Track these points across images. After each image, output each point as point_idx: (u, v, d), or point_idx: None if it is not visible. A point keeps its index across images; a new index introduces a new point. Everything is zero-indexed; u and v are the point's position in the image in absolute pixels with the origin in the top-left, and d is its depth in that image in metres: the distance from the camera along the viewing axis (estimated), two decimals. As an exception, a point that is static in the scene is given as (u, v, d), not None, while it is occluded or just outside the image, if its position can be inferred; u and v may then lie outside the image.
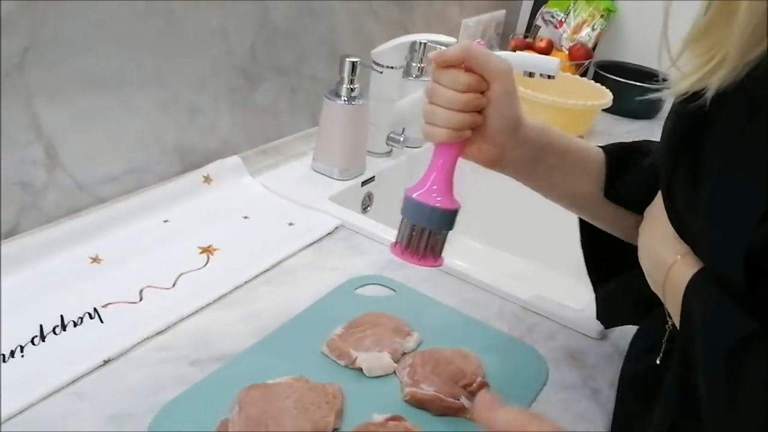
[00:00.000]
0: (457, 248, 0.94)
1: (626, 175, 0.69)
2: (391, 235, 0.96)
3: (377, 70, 1.16)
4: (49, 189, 0.83)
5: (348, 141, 1.11)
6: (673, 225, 0.55)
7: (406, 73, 1.25)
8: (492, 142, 0.63)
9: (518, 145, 0.65)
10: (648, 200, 0.62)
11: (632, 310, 0.75)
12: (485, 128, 0.62)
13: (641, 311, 0.74)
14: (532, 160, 0.67)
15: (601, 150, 0.72)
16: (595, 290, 0.78)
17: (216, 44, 0.99)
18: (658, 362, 0.62)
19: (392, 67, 1.16)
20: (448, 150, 0.63)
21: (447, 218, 0.63)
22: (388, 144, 1.24)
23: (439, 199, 0.62)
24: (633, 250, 0.67)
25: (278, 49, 1.11)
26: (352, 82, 1.07)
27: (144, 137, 0.93)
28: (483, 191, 1.23)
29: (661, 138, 0.59)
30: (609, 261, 0.76)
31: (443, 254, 0.65)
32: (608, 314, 0.78)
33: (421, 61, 1.25)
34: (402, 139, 1.23)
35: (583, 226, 0.77)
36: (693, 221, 0.52)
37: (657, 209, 0.59)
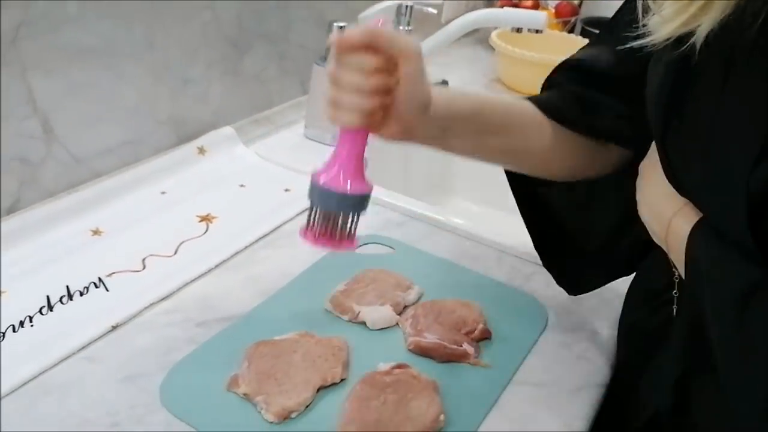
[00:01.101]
0: (453, 209, 0.95)
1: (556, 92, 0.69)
2: (386, 196, 0.98)
3: (365, 34, 1.16)
4: (47, 163, 0.84)
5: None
6: (669, 178, 0.55)
7: (394, 36, 1.25)
8: (400, 121, 0.58)
9: (427, 122, 0.60)
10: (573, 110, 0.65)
11: (603, 274, 0.76)
12: (394, 108, 0.57)
13: (614, 273, 0.75)
14: (441, 131, 0.63)
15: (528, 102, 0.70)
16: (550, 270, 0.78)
17: (203, 13, 0.99)
18: (674, 313, 0.63)
19: (380, 30, 1.16)
20: (355, 133, 0.58)
21: (359, 202, 0.60)
22: (379, 108, 1.24)
23: (349, 183, 0.58)
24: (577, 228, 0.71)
25: (265, 16, 1.10)
26: (340, 46, 1.07)
27: (137, 107, 0.94)
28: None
29: (649, 91, 0.57)
30: (558, 243, 0.76)
31: (356, 235, 0.62)
32: (575, 285, 0.78)
33: (408, 24, 1.25)
34: (393, 102, 1.24)
35: (526, 214, 0.76)
36: (689, 173, 0.52)
37: (652, 163, 0.59)
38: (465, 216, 0.94)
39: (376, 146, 1.14)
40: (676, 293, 0.61)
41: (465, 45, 1.72)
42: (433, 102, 0.59)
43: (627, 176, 0.66)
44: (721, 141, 0.48)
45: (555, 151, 0.68)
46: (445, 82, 1.40)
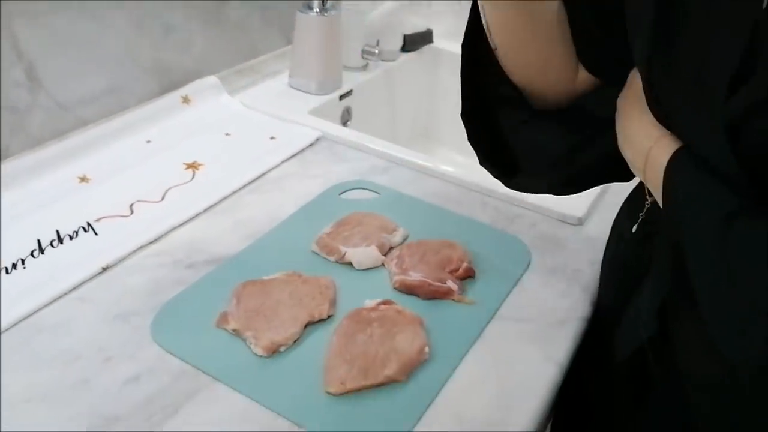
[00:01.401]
0: (439, 158, 0.96)
1: None
2: (370, 142, 0.98)
3: (348, -19, 1.15)
4: (34, 111, 0.84)
5: (323, 53, 1.11)
6: (651, 107, 0.55)
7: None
8: None
9: None
10: None
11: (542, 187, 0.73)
12: None
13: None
14: None
15: None
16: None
17: (183, -41, 0.98)
18: (633, 230, 0.64)
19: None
20: None
21: None
22: (363, 57, 1.24)
23: None
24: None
25: (247, -37, 1.09)
26: (324, -7, 1.07)
27: (120, 55, 0.93)
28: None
29: (631, 21, 0.57)
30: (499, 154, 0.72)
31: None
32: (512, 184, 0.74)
33: (392, -29, 1.24)
34: (377, 51, 1.23)
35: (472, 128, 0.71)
36: (672, 99, 0.52)
37: (629, 97, 0.59)
38: (451, 165, 0.95)
39: (361, 99, 1.15)
40: (642, 215, 0.62)
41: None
42: None
43: (577, 109, 0.67)
44: (702, 64, 0.48)
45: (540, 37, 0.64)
46: (429, 31, 1.39)
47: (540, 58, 0.65)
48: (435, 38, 1.41)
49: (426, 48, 1.39)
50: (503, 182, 0.72)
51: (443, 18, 1.55)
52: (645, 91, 0.55)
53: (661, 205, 0.54)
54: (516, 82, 0.66)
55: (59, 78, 0.86)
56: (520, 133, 0.71)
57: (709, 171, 0.49)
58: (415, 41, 1.37)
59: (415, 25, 1.38)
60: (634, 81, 0.58)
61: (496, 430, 0.57)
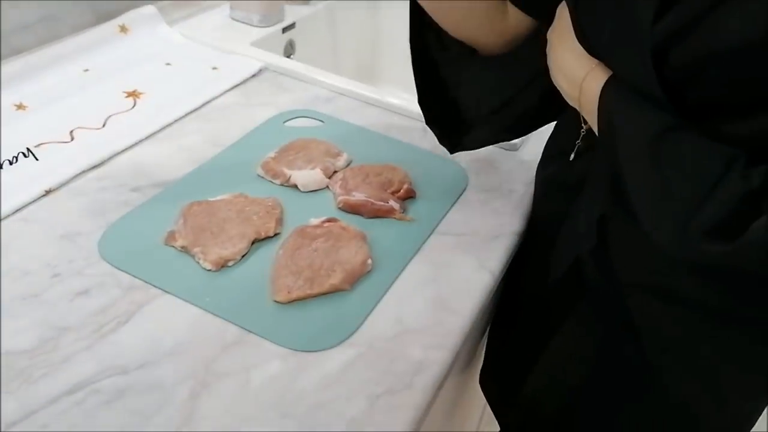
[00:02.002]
0: (385, 93, 0.97)
1: None
2: (316, 74, 0.99)
3: None
4: (-39, 36, 0.81)
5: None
6: (580, 40, 0.58)
7: None
8: None
9: None
10: None
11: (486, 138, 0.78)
12: None
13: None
14: None
15: None
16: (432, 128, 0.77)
17: None
18: (571, 159, 0.68)
19: None
20: None
21: None
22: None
23: None
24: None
25: None
26: None
27: (51, -20, 0.91)
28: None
29: None
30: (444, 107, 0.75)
31: None
32: (457, 144, 0.78)
33: None
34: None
35: (419, 76, 0.74)
36: (600, 32, 0.55)
37: (560, 30, 0.61)
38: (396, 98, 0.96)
39: (304, 33, 1.14)
40: (579, 142, 0.66)
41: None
42: None
43: (514, 56, 0.70)
44: None
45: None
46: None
47: (462, 6, 0.67)
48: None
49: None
50: (447, 147, 0.76)
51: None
52: (573, 25, 0.58)
53: (596, 131, 0.58)
54: (452, 34, 0.69)
55: (-10, 3, 0.83)
56: (462, 86, 0.74)
57: (640, 95, 0.52)
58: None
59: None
60: (563, 14, 0.60)
61: (434, 329, 0.60)
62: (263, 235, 0.67)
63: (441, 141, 0.77)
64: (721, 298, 0.57)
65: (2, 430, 0.48)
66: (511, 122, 0.76)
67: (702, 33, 0.47)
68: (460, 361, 0.85)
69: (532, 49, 0.69)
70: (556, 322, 0.74)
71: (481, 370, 0.95)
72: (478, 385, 0.97)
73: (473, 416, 1.21)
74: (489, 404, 0.94)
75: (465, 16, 0.69)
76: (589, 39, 0.57)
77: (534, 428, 0.81)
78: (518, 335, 0.85)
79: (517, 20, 0.70)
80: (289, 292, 0.60)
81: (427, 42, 0.72)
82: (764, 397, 0.67)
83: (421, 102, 0.75)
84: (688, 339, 0.62)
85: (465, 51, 0.71)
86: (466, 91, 0.75)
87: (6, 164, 0.73)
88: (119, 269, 0.62)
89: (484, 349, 0.95)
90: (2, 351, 0.53)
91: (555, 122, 0.78)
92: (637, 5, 0.50)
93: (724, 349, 0.61)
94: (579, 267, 0.68)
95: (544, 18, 0.66)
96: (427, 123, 0.76)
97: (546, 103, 0.70)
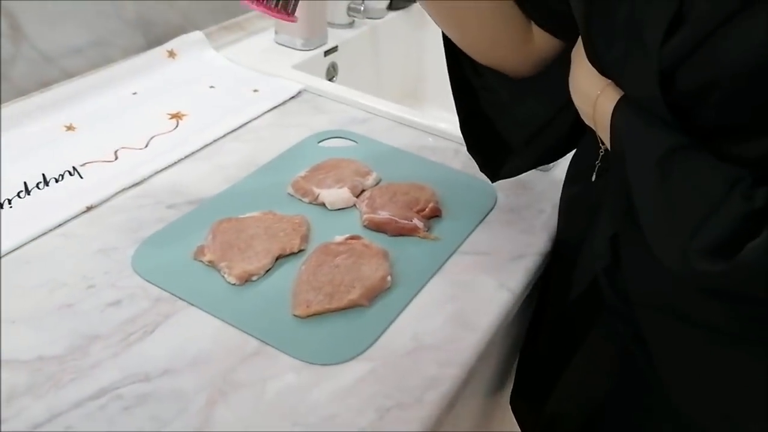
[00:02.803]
0: (427, 115, 0.99)
1: None
2: (353, 95, 1.01)
3: (330, -63, 1.17)
4: (17, 61, 0.87)
5: (308, 8, 1.14)
6: (591, 60, 0.59)
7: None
8: None
9: None
10: None
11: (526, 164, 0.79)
12: None
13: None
14: None
15: None
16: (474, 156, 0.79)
17: None
18: (593, 179, 0.68)
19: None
20: None
21: None
22: (349, 15, 1.27)
23: None
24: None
25: None
26: (306, -51, 1.09)
27: (104, 6, 0.96)
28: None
29: None
30: (486, 134, 0.77)
31: (296, 13, 0.64)
32: (498, 173, 0.79)
33: None
34: (362, 8, 1.26)
35: (461, 105, 0.77)
36: (610, 52, 0.56)
37: (579, 51, 0.62)
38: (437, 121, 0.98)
39: (347, 56, 1.17)
40: (598, 163, 0.66)
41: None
42: None
43: (548, 78, 0.70)
44: (637, 17, 0.52)
45: (495, 27, 0.69)
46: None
47: (486, 36, 0.68)
48: (421, -5, 1.42)
49: (413, 6, 1.41)
50: (488, 176, 0.78)
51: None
52: (585, 45, 0.59)
53: (609, 148, 0.58)
54: (481, 62, 0.71)
55: (42, 29, 0.89)
56: (500, 112, 0.76)
57: (650, 114, 0.53)
58: (402, -2, 1.39)
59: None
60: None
61: (449, 346, 0.61)
62: (288, 251, 0.69)
63: (482, 169, 0.78)
64: (728, 319, 0.57)
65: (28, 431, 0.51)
66: (551, 143, 0.77)
67: (707, 54, 0.47)
68: (486, 383, 0.85)
69: (563, 70, 0.70)
70: (578, 340, 0.74)
71: (512, 391, 0.95)
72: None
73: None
74: (517, 422, 0.93)
75: (490, 45, 0.70)
76: (600, 59, 0.58)
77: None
78: (543, 353, 0.84)
79: (543, 42, 0.71)
80: (308, 307, 0.62)
81: (463, 68, 0.74)
82: None
83: (463, 129, 0.76)
84: (697, 359, 0.61)
85: (498, 76, 0.72)
86: (504, 117, 0.77)
87: (52, 182, 0.77)
88: (149, 282, 0.65)
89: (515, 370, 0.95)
90: (36, 356, 0.57)
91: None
92: (646, 26, 0.51)
93: (732, 371, 0.60)
94: (597, 285, 0.68)
95: (569, 38, 0.67)
96: (468, 150, 0.77)
97: (581, 123, 0.71)
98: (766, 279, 0.46)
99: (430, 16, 0.69)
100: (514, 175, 0.80)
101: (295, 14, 0.64)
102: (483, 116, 0.76)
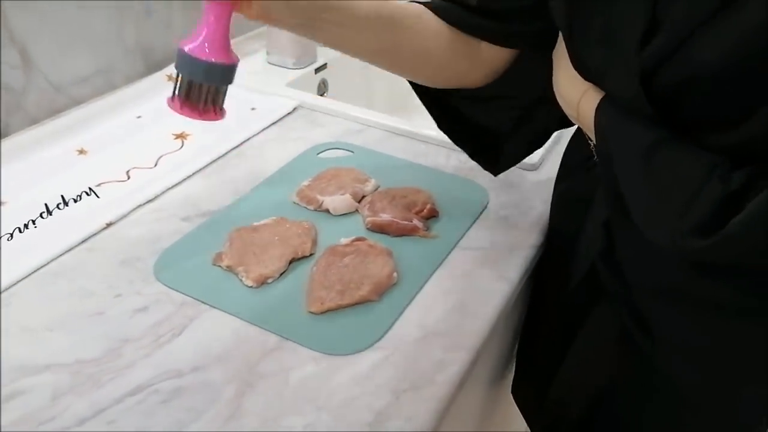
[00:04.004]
0: (418, 126, 1.04)
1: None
2: (347, 109, 1.07)
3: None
4: (29, 91, 0.92)
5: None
6: (574, 64, 0.63)
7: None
8: (259, 2, 0.60)
9: (289, 8, 0.61)
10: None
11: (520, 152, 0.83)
12: None
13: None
14: (307, 19, 0.64)
15: (422, 7, 0.71)
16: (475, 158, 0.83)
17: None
18: (588, 171, 0.73)
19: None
20: (220, 7, 0.59)
21: (225, 73, 0.61)
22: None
23: (214, 53, 0.59)
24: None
25: (220, -52, 1.17)
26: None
27: (106, 36, 1.01)
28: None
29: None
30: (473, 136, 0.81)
31: (224, 107, 0.64)
32: (498, 166, 0.84)
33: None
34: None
35: (437, 117, 0.80)
36: (592, 57, 0.61)
37: (560, 52, 0.67)
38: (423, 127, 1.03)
39: (337, 72, 1.22)
40: (595, 159, 0.71)
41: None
42: None
43: (518, 76, 0.75)
44: (616, 23, 0.57)
45: (434, 57, 0.71)
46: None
47: (429, 68, 0.72)
48: None
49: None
50: (492, 172, 0.83)
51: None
52: (568, 51, 0.64)
53: (595, 144, 0.63)
54: (435, 87, 0.76)
55: (51, 59, 0.94)
56: (474, 111, 0.81)
57: (629, 113, 0.58)
58: None
59: (385, 0, 1.46)
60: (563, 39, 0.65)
61: (454, 332, 0.66)
62: (300, 254, 0.74)
63: (486, 168, 0.83)
64: (719, 292, 0.62)
65: (75, 429, 0.55)
66: (540, 126, 0.80)
67: (684, 56, 0.52)
68: (489, 370, 0.90)
69: (532, 64, 0.74)
70: (578, 327, 0.79)
71: (513, 380, 1.00)
72: (512, 398, 1.01)
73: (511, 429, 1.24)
74: (521, 412, 0.98)
75: (435, 73, 0.74)
76: (583, 63, 0.63)
77: (561, 431, 0.85)
78: (544, 342, 0.89)
79: (493, 54, 0.73)
80: (322, 303, 0.67)
81: (431, 92, 0.78)
82: None
83: (457, 143, 0.81)
84: (693, 331, 0.66)
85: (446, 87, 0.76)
86: (485, 114, 0.80)
87: (71, 202, 0.82)
88: (172, 288, 0.69)
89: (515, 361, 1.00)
90: (74, 359, 0.61)
91: (569, 140, 0.84)
92: (625, 32, 0.56)
93: (725, 340, 0.65)
94: (595, 271, 0.73)
95: (522, 46, 0.72)
96: (471, 157, 0.82)
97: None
98: (750, 248, 0.51)
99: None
100: (514, 164, 0.83)
101: (223, 109, 0.63)
102: (466, 121, 0.81)
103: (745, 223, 0.50)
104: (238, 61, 0.61)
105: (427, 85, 0.76)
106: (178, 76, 0.61)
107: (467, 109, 0.80)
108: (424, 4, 0.71)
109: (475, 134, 0.81)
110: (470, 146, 0.82)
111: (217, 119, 0.62)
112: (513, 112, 0.79)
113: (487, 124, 0.81)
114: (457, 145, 0.82)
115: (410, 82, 0.78)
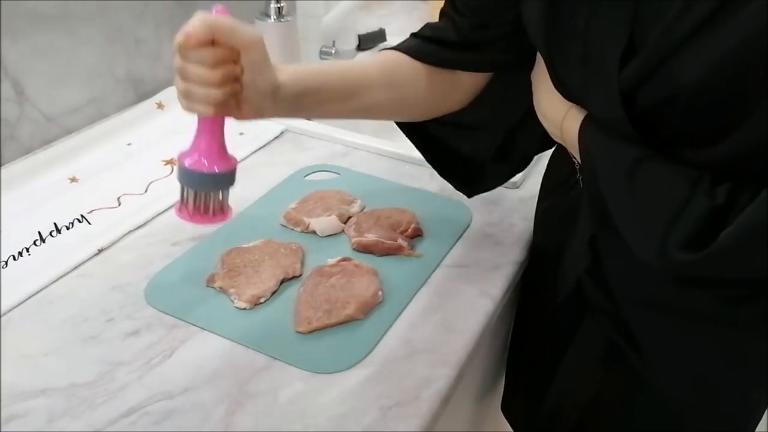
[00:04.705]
0: (404, 147, 1.07)
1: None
2: (333, 132, 1.09)
3: (301, -12, 1.26)
4: (22, 122, 0.94)
5: (282, 57, 1.22)
6: (555, 85, 0.66)
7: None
8: (251, 105, 0.62)
9: (279, 102, 0.65)
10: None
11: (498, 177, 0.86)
12: (244, 94, 0.61)
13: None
14: (296, 107, 0.68)
15: (393, 53, 0.74)
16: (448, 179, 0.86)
17: (149, -22, 1.08)
18: (572, 192, 0.75)
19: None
20: (212, 119, 0.62)
21: (225, 179, 0.65)
22: (321, 57, 1.35)
23: (213, 163, 0.63)
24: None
25: (207, -22, 1.20)
26: (279, 0, 1.18)
27: (96, 68, 1.04)
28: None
29: (528, 20, 0.66)
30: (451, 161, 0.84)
31: (228, 206, 0.68)
32: (473, 190, 0.87)
33: (341, -23, 1.35)
34: (334, 51, 1.35)
35: (417, 142, 0.83)
36: (572, 78, 0.63)
37: (540, 74, 0.69)
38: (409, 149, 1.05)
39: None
40: (580, 177, 0.74)
41: (403, -4, 1.83)
42: (282, 84, 0.64)
43: (496, 103, 0.78)
44: (595, 46, 0.59)
45: (420, 95, 0.75)
46: (382, 31, 1.51)
47: (408, 107, 0.76)
48: (388, 36, 1.51)
49: (380, 46, 1.50)
50: (466, 194, 0.86)
51: (396, 19, 1.67)
52: (549, 73, 0.66)
53: (580, 162, 0.66)
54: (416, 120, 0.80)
55: (43, 91, 0.96)
56: (456, 140, 0.84)
57: (611, 132, 0.60)
58: (369, 40, 1.48)
59: (368, 25, 1.49)
60: (542, 60, 0.67)
61: (439, 349, 0.68)
62: (290, 274, 0.76)
63: (459, 189, 0.85)
64: (703, 305, 0.64)
65: (70, 451, 0.57)
66: (520, 154, 0.84)
67: (663, 77, 0.54)
68: (477, 385, 0.92)
69: (499, 98, 0.77)
70: (566, 342, 0.81)
71: (503, 396, 1.01)
72: (501, 414, 1.03)
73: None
74: (511, 426, 1.00)
75: (417, 110, 0.77)
76: (564, 84, 0.65)
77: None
78: (532, 357, 0.91)
79: (471, 79, 0.76)
80: (309, 323, 0.69)
81: (412, 124, 0.81)
82: (759, 389, 0.72)
83: (432, 164, 0.84)
84: (678, 343, 0.68)
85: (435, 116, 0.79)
86: (466, 144, 0.83)
87: (64, 230, 0.84)
88: (163, 312, 0.71)
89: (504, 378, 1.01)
90: (69, 383, 0.63)
91: (549, 158, 0.87)
92: (603, 54, 0.58)
93: (710, 350, 0.67)
94: (581, 287, 0.75)
95: (502, 70, 0.75)
96: (441, 176, 0.85)
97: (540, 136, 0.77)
98: (740, 261, 0.53)
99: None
100: (491, 189, 0.87)
101: (230, 207, 0.67)
102: (446, 146, 0.83)
103: (736, 235, 0.51)
104: (237, 162, 0.65)
105: (409, 120, 0.80)
106: (183, 188, 0.64)
107: (451, 140, 0.83)
108: (395, 47, 0.74)
109: (456, 161, 0.84)
110: (449, 171, 0.85)
111: (225, 219, 0.67)
112: (496, 139, 0.81)
113: (470, 153, 0.84)
114: (440, 172, 0.85)
115: (403, 129, 0.83)
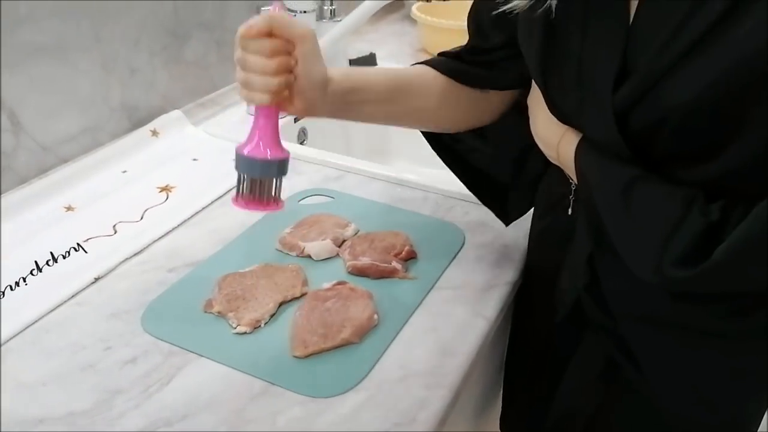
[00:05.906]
0: (397, 169, 1.08)
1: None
2: (326, 156, 1.11)
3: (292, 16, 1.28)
4: (18, 152, 0.95)
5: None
6: (550, 109, 0.67)
7: (319, 16, 1.37)
8: (303, 97, 0.68)
9: (329, 97, 0.70)
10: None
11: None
12: (296, 85, 0.66)
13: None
14: (344, 104, 0.74)
15: (424, 66, 0.81)
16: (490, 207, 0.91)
17: (141, 5, 1.10)
18: (569, 212, 0.77)
19: (305, 11, 1.28)
20: (268, 108, 0.67)
21: (280, 167, 0.68)
22: (313, 83, 1.37)
23: (269, 151, 0.67)
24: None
25: (200, 6, 1.22)
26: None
27: (91, 97, 1.05)
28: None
29: (523, 44, 0.69)
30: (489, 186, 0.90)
31: (282, 197, 0.71)
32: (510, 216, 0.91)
33: (331, 3, 1.37)
34: (325, 76, 1.36)
35: (453, 168, 0.89)
36: (566, 102, 0.65)
37: (535, 98, 0.71)
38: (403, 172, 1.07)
39: (315, 120, 1.27)
40: (572, 197, 0.75)
41: (393, 21, 1.85)
42: (331, 79, 0.70)
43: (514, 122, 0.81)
44: (588, 69, 0.61)
45: (451, 107, 0.81)
46: (372, 55, 1.53)
47: (453, 125, 0.83)
48: (378, 61, 1.54)
49: (372, 70, 1.52)
50: (504, 221, 0.91)
51: (386, 43, 1.69)
52: (544, 98, 0.68)
53: (577, 183, 0.67)
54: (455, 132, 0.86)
55: (39, 121, 0.97)
56: (485, 159, 0.88)
57: (608, 153, 0.62)
58: (360, 65, 1.50)
59: (359, 50, 1.52)
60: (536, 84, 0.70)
61: (435, 371, 0.68)
62: (290, 297, 0.77)
63: (498, 216, 0.90)
64: (699, 319, 0.65)
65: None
66: (535, 172, 0.86)
67: (655, 99, 0.56)
68: (473, 404, 0.92)
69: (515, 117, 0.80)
70: (565, 359, 0.82)
71: (501, 413, 1.02)
72: (499, 429, 1.03)
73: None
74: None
75: (456, 126, 0.82)
76: (559, 108, 0.67)
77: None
78: (530, 375, 0.92)
79: (497, 97, 0.81)
80: (305, 348, 0.69)
81: (443, 141, 0.87)
82: (756, 400, 0.73)
83: (473, 191, 0.90)
84: (677, 357, 0.69)
85: (475, 137, 0.85)
86: (496, 165, 0.87)
87: (60, 258, 0.84)
88: (159, 339, 0.72)
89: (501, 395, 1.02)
90: (67, 412, 0.63)
91: (542, 179, 0.88)
92: (598, 77, 0.60)
93: (714, 368, 0.68)
94: (580, 304, 0.76)
95: (522, 86, 0.77)
96: (486, 205, 0.90)
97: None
98: (736, 275, 0.55)
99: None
100: (525, 211, 0.90)
101: (281, 199, 0.71)
102: (482, 173, 0.88)
103: (730, 251, 0.53)
104: (290, 155, 0.69)
105: (443, 131, 0.85)
106: (239, 177, 0.69)
107: (486, 163, 0.88)
108: (425, 62, 0.82)
109: (483, 181, 0.89)
110: (482, 194, 0.90)
111: (278, 209, 0.70)
112: (512, 152, 0.86)
113: (492, 171, 0.89)
114: (487, 205, 0.90)
115: (425, 136, 0.88)
